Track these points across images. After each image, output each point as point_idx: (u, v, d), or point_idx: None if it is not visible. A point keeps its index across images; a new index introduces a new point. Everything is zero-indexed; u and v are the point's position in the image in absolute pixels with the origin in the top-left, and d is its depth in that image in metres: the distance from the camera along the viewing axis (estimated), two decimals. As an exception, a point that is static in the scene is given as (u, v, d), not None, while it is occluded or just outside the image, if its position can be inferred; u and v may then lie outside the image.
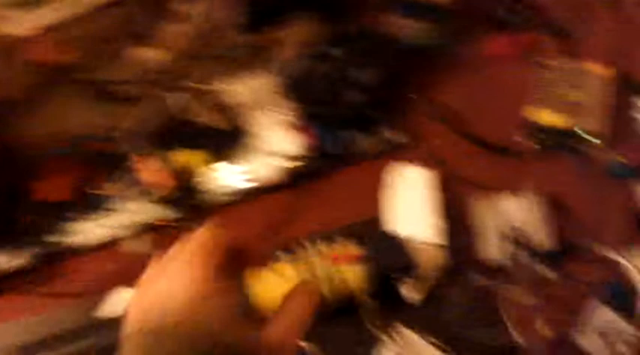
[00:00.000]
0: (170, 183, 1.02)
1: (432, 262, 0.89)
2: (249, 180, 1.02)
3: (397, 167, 0.99)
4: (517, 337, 0.83)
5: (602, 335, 0.81)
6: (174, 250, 0.54)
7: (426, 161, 1.00)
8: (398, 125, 1.05)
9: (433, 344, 0.83)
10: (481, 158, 1.00)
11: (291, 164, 1.00)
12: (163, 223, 1.02)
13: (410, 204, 0.95)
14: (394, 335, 0.83)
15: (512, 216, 0.92)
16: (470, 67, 1.09)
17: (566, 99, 0.98)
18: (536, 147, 0.98)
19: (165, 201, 1.03)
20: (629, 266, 0.85)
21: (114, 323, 0.46)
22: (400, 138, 1.04)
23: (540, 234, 0.89)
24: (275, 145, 1.03)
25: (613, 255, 0.86)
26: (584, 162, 0.96)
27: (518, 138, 0.99)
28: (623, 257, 0.86)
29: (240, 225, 0.97)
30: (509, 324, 0.85)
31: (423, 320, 0.86)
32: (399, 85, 1.06)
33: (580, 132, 0.96)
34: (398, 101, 1.07)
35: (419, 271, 0.87)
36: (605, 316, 0.82)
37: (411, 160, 1.00)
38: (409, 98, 1.07)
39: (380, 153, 1.03)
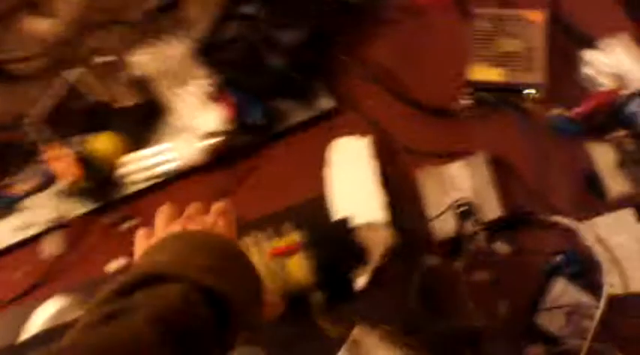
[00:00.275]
0: (83, 172, 0.92)
1: (381, 244, 0.81)
2: (170, 162, 0.92)
3: (336, 141, 0.90)
4: (475, 318, 0.77)
5: (562, 309, 0.76)
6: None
7: (363, 128, 0.92)
8: (328, 89, 0.96)
9: (388, 335, 0.76)
10: (420, 121, 0.92)
11: (213, 140, 0.91)
12: (78, 218, 0.93)
13: (352, 180, 0.88)
14: (350, 332, 0.76)
15: (459, 184, 0.84)
16: (400, 20, 1.00)
17: (504, 50, 0.90)
18: (476, 105, 0.90)
19: (80, 193, 0.93)
20: (582, 231, 0.79)
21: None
22: (332, 103, 0.95)
23: (490, 203, 0.82)
24: (194, 120, 0.93)
25: (565, 221, 0.80)
26: (527, 119, 0.89)
27: (456, 96, 0.91)
28: (575, 222, 0.79)
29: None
30: (466, 305, 0.78)
31: (375, 310, 0.79)
32: (325, 46, 0.97)
33: (520, 86, 0.88)
34: (326, 63, 0.98)
35: (367, 255, 0.79)
36: (563, 289, 0.77)
37: (346, 127, 0.92)
38: (338, 59, 0.98)
39: (311, 121, 0.94)
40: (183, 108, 0.94)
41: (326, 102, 0.95)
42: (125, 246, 0.89)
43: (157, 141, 0.95)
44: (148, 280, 0.47)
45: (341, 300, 0.79)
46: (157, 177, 0.92)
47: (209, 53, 0.93)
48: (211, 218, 0.63)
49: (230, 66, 0.92)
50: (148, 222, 0.86)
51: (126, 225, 0.92)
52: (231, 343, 0.51)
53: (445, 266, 0.80)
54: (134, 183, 0.92)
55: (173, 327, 0.44)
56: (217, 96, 0.93)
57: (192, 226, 0.61)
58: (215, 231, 0.61)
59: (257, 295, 0.57)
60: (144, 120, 0.97)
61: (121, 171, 0.92)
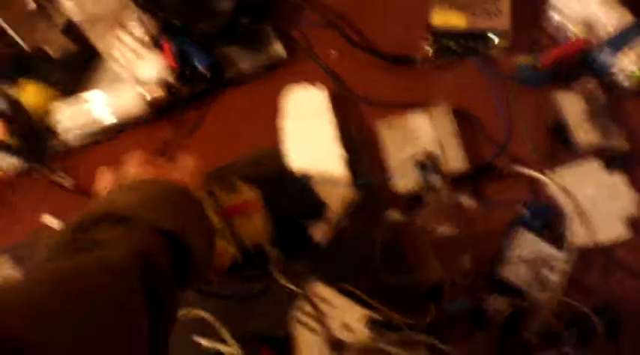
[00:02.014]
0: (8, 127, 0.83)
1: (340, 199, 0.76)
2: (107, 114, 0.84)
3: (291, 90, 0.84)
4: (438, 272, 0.73)
5: (528, 263, 0.72)
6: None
7: (319, 77, 0.85)
8: (280, 35, 0.89)
9: (350, 293, 0.71)
10: (379, 70, 0.87)
11: (153, 90, 0.83)
12: (7, 175, 0.84)
13: (309, 132, 0.82)
14: (308, 290, 0.71)
15: (422, 136, 0.80)
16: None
17: (467, -8, 0.85)
18: (438, 53, 0.85)
19: (6, 149, 0.84)
20: (548, 181, 0.75)
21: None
22: (284, 50, 0.88)
23: (454, 155, 0.78)
24: (132, 69, 0.85)
25: (530, 172, 0.76)
26: (491, 67, 0.84)
27: (417, 43, 0.85)
28: (541, 173, 0.76)
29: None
30: (429, 260, 0.74)
31: (335, 266, 0.75)
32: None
33: (483, 32, 0.83)
34: (277, 7, 0.90)
35: (326, 211, 0.74)
36: (528, 241, 0.73)
37: (301, 76, 0.86)
38: (290, 2, 0.90)
39: (262, 69, 0.87)
40: (120, 56, 0.85)
41: (278, 49, 0.88)
42: (60, 203, 0.82)
43: (93, 93, 0.86)
44: (112, 218, 0.49)
45: (299, 257, 0.75)
46: (95, 131, 0.84)
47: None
48: (179, 171, 0.62)
49: (170, 9, 0.84)
50: (87, 178, 0.79)
51: (64, 182, 0.84)
52: (187, 288, 0.53)
53: (407, 221, 0.76)
54: (70, 137, 0.84)
55: (149, 263, 0.46)
56: (157, 42, 0.84)
57: (159, 174, 0.60)
58: (179, 181, 0.60)
59: (212, 246, 0.58)
60: (77, 69, 0.88)
61: (55, 124, 0.83)
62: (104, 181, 0.61)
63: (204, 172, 0.64)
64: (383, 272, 0.73)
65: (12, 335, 0.33)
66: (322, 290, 0.69)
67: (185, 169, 0.62)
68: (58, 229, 0.51)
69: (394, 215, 0.75)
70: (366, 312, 0.68)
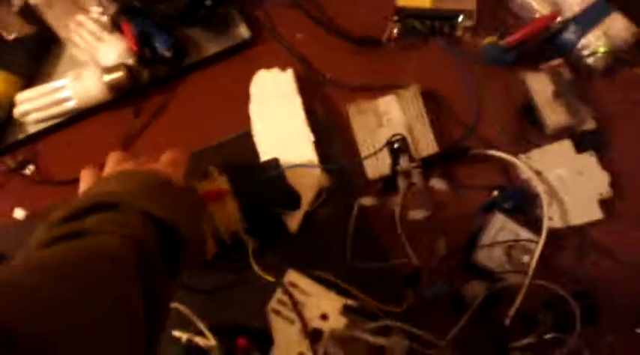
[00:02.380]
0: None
1: (312, 186, 0.75)
2: (68, 100, 0.80)
3: (258, 74, 0.81)
4: (413, 257, 0.72)
5: (502, 246, 0.72)
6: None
7: (286, 59, 0.83)
8: (245, 16, 0.86)
9: (326, 281, 0.70)
10: (347, 52, 0.85)
11: (115, 75, 0.79)
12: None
13: (277, 117, 0.80)
14: (284, 279, 0.69)
15: (391, 119, 0.78)
16: None
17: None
18: (406, 34, 0.84)
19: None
20: (519, 164, 0.75)
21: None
22: (249, 32, 0.85)
23: (424, 138, 0.77)
24: (92, 53, 0.81)
25: (501, 155, 0.76)
26: (458, 48, 0.83)
27: (384, 24, 0.84)
28: (512, 155, 0.76)
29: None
30: (403, 245, 0.74)
31: (310, 254, 0.74)
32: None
33: (450, 12, 0.82)
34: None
35: (298, 198, 0.72)
36: (502, 224, 0.73)
37: (267, 58, 0.84)
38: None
39: (227, 52, 0.84)
40: (80, 40, 0.81)
41: (243, 31, 0.86)
42: (27, 191, 0.79)
43: (52, 77, 0.83)
44: (101, 206, 0.48)
45: (274, 246, 0.74)
46: (56, 117, 0.80)
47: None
48: (160, 164, 0.60)
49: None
50: (49, 165, 0.76)
51: (25, 170, 0.80)
52: (176, 277, 0.51)
53: (380, 207, 0.75)
54: (30, 124, 0.80)
55: (142, 250, 0.46)
56: (117, 24, 0.81)
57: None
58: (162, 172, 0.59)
59: (202, 234, 0.58)
60: (36, 55, 0.84)
61: (15, 111, 0.79)
62: (87, 181, 0.59)
63: (186, 162, 0.62)
64: (357, 258, 0.72)
65: (4, 322, 0.31)
66: (297, 279, 0.68)
67: (166, 161, 0.61)
68: (45, 221, 0.47)
69: (366, 200, 0.73)
70: (341, 300, 0.67)
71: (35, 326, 0.33)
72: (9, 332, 0.31)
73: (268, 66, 0.82)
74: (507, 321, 0.68)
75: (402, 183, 0.76)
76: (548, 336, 0.69)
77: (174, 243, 0.50)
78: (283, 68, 0.82)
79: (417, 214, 0.74)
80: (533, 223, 0.73)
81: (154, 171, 0.57)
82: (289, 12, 0.86)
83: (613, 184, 0.74)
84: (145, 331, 0.43)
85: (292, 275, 0.68)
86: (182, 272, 0.52)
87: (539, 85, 0.77)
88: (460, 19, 0.82)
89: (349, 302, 0.67)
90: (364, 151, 0.77)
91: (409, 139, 0.77)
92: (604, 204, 0.74)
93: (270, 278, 0.68)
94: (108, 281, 0.42)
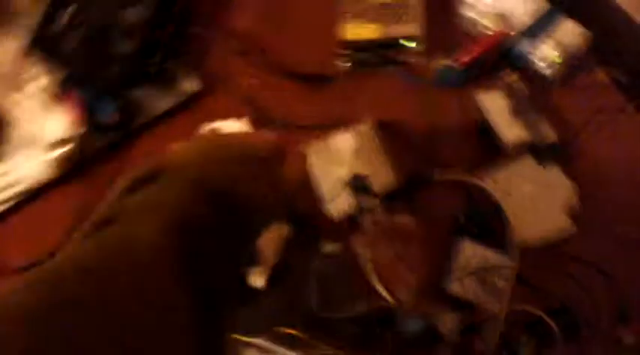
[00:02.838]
0: None
1: (274, 239, 0.72)
2: (17, 184, 0.79)
3: (209, 127, 0.80)
4: (386, 297, 0.70)
5: (475, 273, 0.70)
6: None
7: (237, 108, 0.82)
8: (191, 69, 0.85)
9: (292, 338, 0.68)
10: (297, 92, 0.84)
11: (63, 149, 0.78)
12: None
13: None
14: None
15: (348, 156, 0.76)
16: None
17: (375, 2, 0.82)
18: (355, 67, 0.82)
19: None
20: (482, 185, 0.73)
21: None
22: (197, 84, 0.84)
23: (383, 171, 0.75)
24: (37, 129, 0.80)
25: (464, 178, 0.74)
26: (410, 74, 0.81)
27: (332, 60, 0.82)
28: (474, 177, 0.73)
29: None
30: (375, 286, 0.71)
31: (279, 311, 0.72)
32: (179, 20, 0.85)
33: (397, 39, 0.81)
34: (183, 40, 0.86)
35: (261, 254, 0.70)
36: (471, 251, 0.71)
37: (219, 109, 0.82)
38: (196, 34, 0.86)
39: (177, 108, 0.83)
40: (24, 117, 0.80)
41: (193, 84, 0.84)
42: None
43: (2, 160, 0.81)
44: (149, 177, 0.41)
45: (243, 304, 0.71)
46: (5, 202, 0.78)
47: (44, 46, 0.79)
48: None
49: (70, 58, 0.79)
50: (5, 253, 0.74)
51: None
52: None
53: (345, 250, 0.72)
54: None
55: (190, 231, 0.37)
56: (61, 96, 0.80)
57: None
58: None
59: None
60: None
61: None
62: None
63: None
64: (326, 307, 0.70)
65: None
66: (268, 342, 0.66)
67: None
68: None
69: (330, 247, 0.71)
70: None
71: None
72: None
73: (221, 116, 0.81)
74: (488, 351, 0.65)
75: (366, 221, 0.73)
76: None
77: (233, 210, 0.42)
78: (238, 117, 0.80)
79: (385, 252, 0.71)
80: (504, 244, 0.70)
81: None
82: (238, 59, 0.85)
83: (581, 194, 0.71)
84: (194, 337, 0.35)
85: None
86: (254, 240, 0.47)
87: (494, 104, 0.75)
88: (409, 45, 0.80)
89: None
90: (323, 193, 0.75)
91: (368, 175, 0.74)
92: (574, 215, 0.71)
93: (244, 339, 0.65)
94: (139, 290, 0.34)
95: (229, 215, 0.42)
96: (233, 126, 0.80)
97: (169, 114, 0.84)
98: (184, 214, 0.39)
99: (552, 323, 0.65)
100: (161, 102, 0.84)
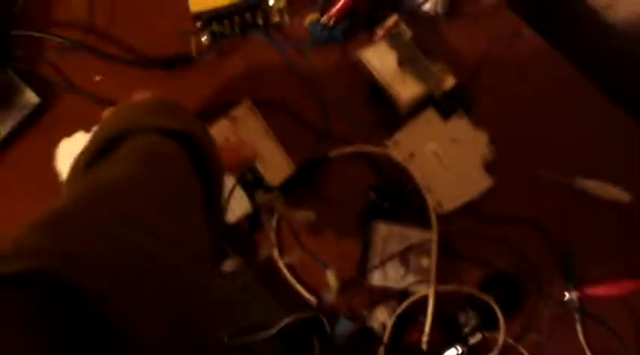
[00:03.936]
0: None
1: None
2: None
3: (62, 143, 0.67)
4: (308, 303, 0.63)
5: (397, 256, 0.63)
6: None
7: (91, 111, 0.69)
8: (29, 79, 0.71)
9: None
10: (159, 82, 0.71)
11: None
12: None
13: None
14: None
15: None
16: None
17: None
18: (214, 40, 0.70)
19: None
20: (383, 151, 0.64)
21: None
22: (37, 96, 0.70)
23: (277, 157, 0.66)
24: None
25: (364, 148, 0.65)
26: (279, 39, 0.70)
27: (188, 38, 0.69)
28: (376, 145, 0.65)
29: None
30: (293, 293, 0.63)
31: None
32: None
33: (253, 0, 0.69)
34: (14, 46, 0.71)
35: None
36: (387, 233, 0.63)
37: (74, 116, 0.69)
38: (26, 36, 0.71)
39: (21, 127, 0.69)
40: None
41: (31, 97, 0.70)
42: None
43: None
44: (113, 141, 0.43)
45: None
46: None
47: None
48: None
49: None
50: None
51: None
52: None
53: (250, 263, 0.64)
54: None
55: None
56: None
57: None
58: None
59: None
60: None
61: None
62: None
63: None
64: (241, 333, 0.62)
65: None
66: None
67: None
68: (67, 178, 0.43)
69: (229, 265, 0.62)
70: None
71: None
72: None
73: (74, 124, 0.68)
74: (424, 346, 0.59)
75: (265, 219, 0.64)
76: (475, 339, 0.61)
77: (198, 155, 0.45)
78: (90, 123, 0.67)
79: (292, 257, 0.63)
80: (422, 215, 0.63)
81: (160, 98, 0.53)
82: (77, 57, 0.71)
83: (491, 140, 0.64)
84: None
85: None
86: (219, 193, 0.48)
87: (380, 59, 0.66)
88: (270, 2, 0.68)
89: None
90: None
91: (258, 166, 0.65)
92: (489, 166, 0.64)
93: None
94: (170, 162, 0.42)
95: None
96: (83, 140, 0.68)
97: (14, 136, 0.70)
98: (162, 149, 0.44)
99: (488, 297, 0.59)
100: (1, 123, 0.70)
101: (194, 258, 0.37)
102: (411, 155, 0.65)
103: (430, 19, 0.68)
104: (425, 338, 0.59)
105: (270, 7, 0.69)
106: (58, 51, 0.72)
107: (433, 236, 0.62)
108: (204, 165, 0.45)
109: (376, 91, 0.66)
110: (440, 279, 0.62)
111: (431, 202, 0.63)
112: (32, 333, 0.25)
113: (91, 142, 0.45)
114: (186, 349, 0.32)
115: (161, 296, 0.31)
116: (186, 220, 0.39)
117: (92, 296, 0.26)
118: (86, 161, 0.43)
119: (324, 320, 0.63)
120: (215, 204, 0.47)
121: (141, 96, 0.57)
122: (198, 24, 0.69)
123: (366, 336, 0.63)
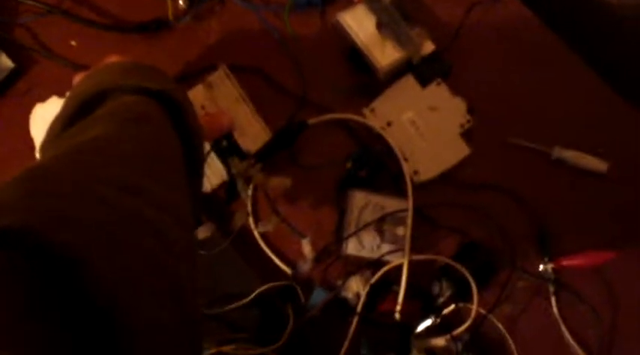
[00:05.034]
0: None
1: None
2: None
3: (35, 112, 0.67)
4: (282, 272, 0.63)
5: (372, 225, 0.62)
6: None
7: (68, 76, 0.67)
8: (2, 44, 0.70)
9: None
10: (135, 47, 0.70)
11: None
12: None
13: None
14: None
15: (209, 113, 0.66)
16: None
17: None
18: (192, 3, 0.69)
19: None
20: (359, 118, 0.64)
21: None
22: (12, 61, 0.69)
23: (253, 124, 0.65)
24: None
25: (341, 116, 0.64)
26: (257, 2, 0.69)
27: (165, 2, 0.68)
28: (354, 113, 0.64)
29: None
30: (266, 263, 0.63)
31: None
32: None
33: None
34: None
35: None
36: (364, 201, 0.63)
37: (51, 82, 0.69)
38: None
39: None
40: None
41: (5, 61, 0.69)
42: None
43: None
44: (89, 104, 0.42)
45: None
46: None
47: None
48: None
49: None
50: None
51: None
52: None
53: (225, 231, 0.63)
54: None
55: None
56: None
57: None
58: None
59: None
60: None
61: None
62: None
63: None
64: (216, 301, 0.62)
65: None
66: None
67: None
68: (42, 144, 0.42)
69: (202, 232, 0.61)
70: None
71: None
72: None
73: (50, 89, 0.67)
74: (397, 315, 0.59)
75: (242, 188, 0.64)
76: (448, 310, 0.61)
77: (178, 116, 0.45)
78: (66, 89, 0.66)
79: (267, 226, 0.63)
80: (399, 183, 0.62)
81: (135, 60, 0.52)
82: (52, 21, 0.70)
83: (468, 108, 0.63)
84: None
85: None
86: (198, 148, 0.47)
87: (358, 22, 0.64)
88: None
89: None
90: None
91: (235, 133, 0.64)
92: (465, 134, 0.63)
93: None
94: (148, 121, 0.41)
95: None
96: (58, 103, 0.67)
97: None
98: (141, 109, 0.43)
99: (461, 267, 0.59)
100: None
101: (177, 220, 0.35)
102: (389, 123, 0.64)
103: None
104: (398, 308, 0.59)
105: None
106: (32, 15, 0.71)
107: (409, 204, 0.61)
108: (185, 126, 0.44)
109: (355, 56, 0.64)
110: (415, 249, 0.61)
111: (407, 171, 0.62)
112: (5, 290, 0.24)
113: (66, 107, 0.43)
114: (174, 315, 0.31)
115: (139, 256, 0.30)
116: (169, 182, 0.38)
117: (65, 251, 0.26)
118: (63, 125, 0.42)
119: (299, 290, 0.62)
120: (197, 167, 0.46)
121: (115, 59, 0.55)
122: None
123: (341, 306, 0.62)
